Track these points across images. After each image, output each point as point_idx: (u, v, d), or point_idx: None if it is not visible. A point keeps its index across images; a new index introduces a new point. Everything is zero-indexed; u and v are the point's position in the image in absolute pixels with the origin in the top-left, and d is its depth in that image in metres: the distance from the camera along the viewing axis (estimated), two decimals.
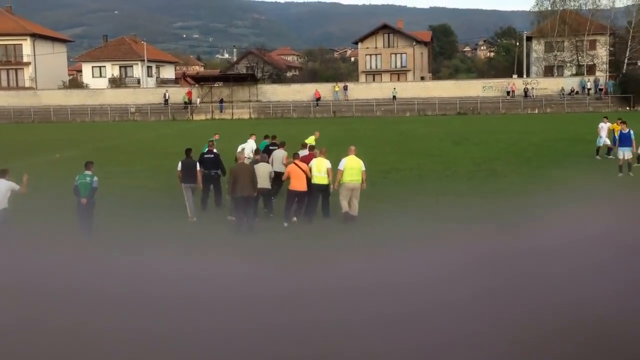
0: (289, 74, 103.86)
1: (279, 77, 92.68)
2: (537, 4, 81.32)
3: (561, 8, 76.11)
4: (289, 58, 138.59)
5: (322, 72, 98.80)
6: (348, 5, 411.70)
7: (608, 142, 24.89)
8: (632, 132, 20.82)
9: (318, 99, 68.84)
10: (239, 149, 18.77)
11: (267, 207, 15.64)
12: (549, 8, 78.41)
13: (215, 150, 17.23)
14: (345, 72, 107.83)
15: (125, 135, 44.75)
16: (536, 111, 63.18)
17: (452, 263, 10.56)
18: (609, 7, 75.42)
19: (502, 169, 23.04)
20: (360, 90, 71.22)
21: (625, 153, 20.44)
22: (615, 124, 23.96)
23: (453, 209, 15.74)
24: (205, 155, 16.86)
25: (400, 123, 51.98)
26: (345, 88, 70.47)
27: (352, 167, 14.90)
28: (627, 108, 60.93)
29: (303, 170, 14.94)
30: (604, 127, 25.16)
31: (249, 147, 19.72)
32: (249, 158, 17.45)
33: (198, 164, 15.75)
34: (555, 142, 32.06)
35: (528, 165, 23.70)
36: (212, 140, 18.13)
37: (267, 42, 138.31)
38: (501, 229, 13.41)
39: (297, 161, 15.24)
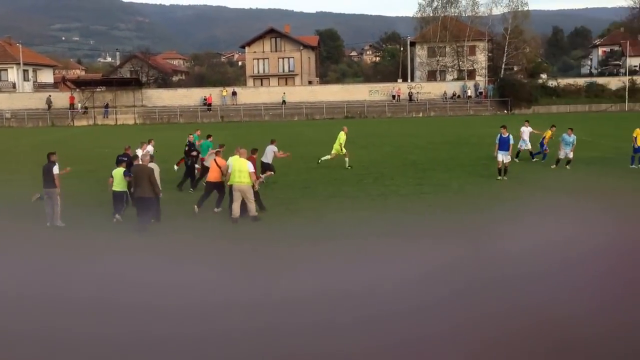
0: (175, 79, 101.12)
1: (164, 81, 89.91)
2: (419, 10, 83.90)
3: (442, 14, 78.79)
4: (175, 62, 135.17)
5: (209, 77, 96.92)
6: (234, 9, 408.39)
7: (529, 146, 25.24)
8: (511, 136, 20.91)
9: (209, 104, 67.37)
10: (140, 152, 18.48)
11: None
12: (431, 14, 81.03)
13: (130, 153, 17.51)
14: (233, 76, 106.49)
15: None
16: (420, 115, 64.80)
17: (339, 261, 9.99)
18: (486, 15, 78.94)
19: (389, 171, 22.97)
20: (249, 95, 70.35)
21: (504, 157, 20.55)
22: (549, 131, 24.91)
23: (342, 212, 15.66)
24: (118, 157, 17.35)
25: (288, 127, 51.59)
26: (234, 93, 69.37)
27: (238, 169, 14.97)
28: (505, 111, 63.80)
29: (219, 166, 15.99)
30: (526, 131, 25.34)
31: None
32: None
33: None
34: (439, 144, 32.63)
35: (414, 168, 23.78)
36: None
37: (151, 46, 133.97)
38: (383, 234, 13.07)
39: (217, 157, 16.38)
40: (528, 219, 14.08)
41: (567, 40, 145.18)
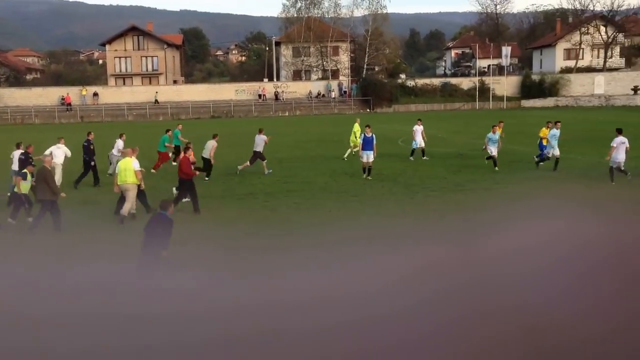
0: (29, 77, 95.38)
1: (17, 80, 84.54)
2: (284, 11, 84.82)
3: (306, 15, 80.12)
4: (29, 59, 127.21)
5: (67, 75, 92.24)
6: (93, 5, 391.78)
7: (423, 144, 25.67)
8: (374, 136, 21.21)
9: (68, 104, 64.18)
10: (47, 152, 18.69)
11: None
12: (295, 15, 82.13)
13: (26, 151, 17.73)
14: (93, 75, 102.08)
15: None
16: (287, 114, 65.63)
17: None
18: (348, 16, 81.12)
19: (256, 170, 23.16)
20: (111, 95, 67.87)
21: (367, 156, 20.82)
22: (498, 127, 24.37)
23: (212, 211, 15.65)
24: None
25: (154, 127, 50.29)
26: (95, 94, 66.64)
27: (124, 167, 15.28)
28: (368, 110, 66.12)
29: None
30: (418, 130, 25.67)
31: (60, 151, 19.81)
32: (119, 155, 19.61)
33: None
34: (305, 143, 33.27)
35: (280, 166, 24.13)
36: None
37: (1, 42, 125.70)
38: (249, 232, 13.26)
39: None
40: (379, 215, 14.78)
41: (423, 43, 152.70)
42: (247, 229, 13.60)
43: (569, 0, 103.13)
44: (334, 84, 71.81)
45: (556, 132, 21.64)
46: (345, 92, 71.25)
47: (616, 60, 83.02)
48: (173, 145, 24.42)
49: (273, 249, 11.52)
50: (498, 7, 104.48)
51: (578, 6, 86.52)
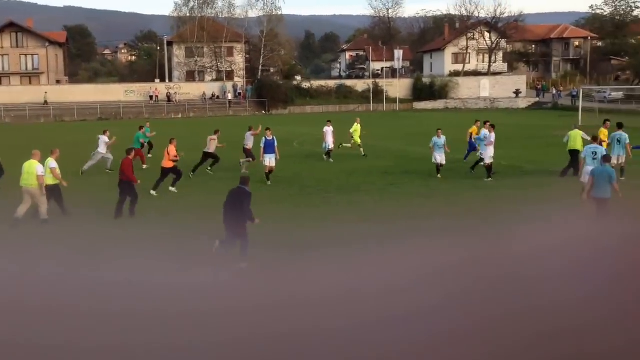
0: None
1: None
2: (175, 9, 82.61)
3: (199, 15, 78.38)
4: None
5: None
6: None
7: (332, 146, 25.54)
8: (275, 138, 20.66)
9: None
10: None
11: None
12: (188, 14, 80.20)
13: None
14: None
15: None
16: (180, 116, 63.79)
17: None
18: (243, 17, 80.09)
19: (147, 175, 22.04)
20: None
21: (270, 160, 20.23)
22: (474, 127, 24.41)
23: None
24: None
25: (34, 130, 47.31)
26: None
27: (27, 171, 14.97)
28: (264, 112, 65.48)
29: (169, 153, 18.56)
30: (329, 131, 25.41)
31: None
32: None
33: None
34: (201, 146, 32.09)
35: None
36: None
37: None
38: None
39: (170, 146, 18.77)
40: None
41: (318, 45, 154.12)
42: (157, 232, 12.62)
43: (456, 7, 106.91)
44: (228, 85, 70.67)
45: (486, 133, 20.86)
46: (240, 93, 70.29)
47: (500, 64, 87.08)
48: (145, 142, 25.53)
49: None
50: (390, 11, 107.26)
51: (464, 12, 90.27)
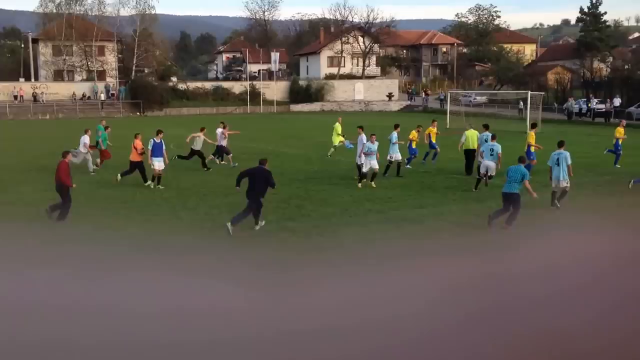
0: None
1: None
2: (41, 6, 78.54)
3: (67, 12, 75.07)
4: None
5: None
6: None
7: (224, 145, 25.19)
8: (163, 142, 20.19)
9: None
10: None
11: None
12: (54, 11, 76.59)
13: None
14: None
15: None
16: (48, 117, 60.77)
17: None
18: (114, 15, 77.48)
19: (13, 177, 21.10)
20: None
21: (159, 163, 19.67)
22: (431, 128, 24.78)
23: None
24: None
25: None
26: None
27: None
28: (138, 113, 63.78)
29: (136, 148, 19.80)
30: (219, 133, 25.07)
31: None
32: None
33: None
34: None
35: (44, 173, 22.11)
36: None
37: None
38: None
39: (136, 140, 20.03)
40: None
41: (194, 45, 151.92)
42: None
43: (331, 11, 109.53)
44: (100, 85, 68.20)
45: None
46: (113, 94, 68.05)
47: (373, 68, 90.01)
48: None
49: None
50: (266, 13, 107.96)
51: (339, 17, 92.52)
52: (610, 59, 75.95)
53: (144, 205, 16.85)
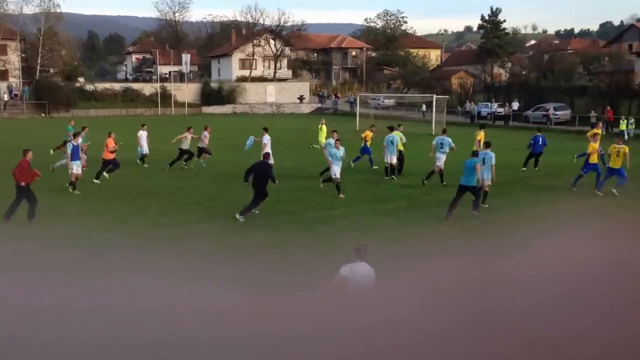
0: None
1: None
2: None
3: None
4: None
5: None
6: None
7: (146, 151, 25.21)
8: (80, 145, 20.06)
9: None
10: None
11: None
12: None
13: None
14: None
15: None
16: None
17: None
18: (17, 13, 74.41)
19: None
20: None
21: (77, 167, 19.27)
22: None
23: None
24: None
25: None
26: None
27: None
28: (43, 115, 61.82)
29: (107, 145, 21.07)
30: (143, 135, 25.19)
31: None
32: None
33: None
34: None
35: None
36: None
37: None
38: None
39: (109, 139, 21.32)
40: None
41: (103, 46, 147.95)
42: None
43: (242, 14, 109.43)
44: (2, 86, 65.53)
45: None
46: (16, 95, 65.57)
47: (284, 71, 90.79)
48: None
49: None
50: (177, 14, 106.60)
51: (250, 19, 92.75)
52: (509, 64, 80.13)
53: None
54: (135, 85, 74.98)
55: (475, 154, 16.85)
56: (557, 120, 47.43)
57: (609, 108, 43.41)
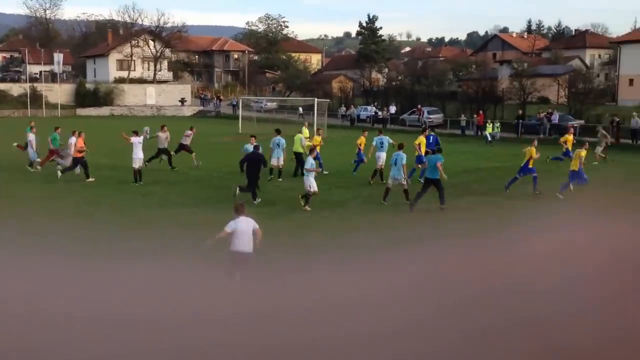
0: None
1: None
2: None
3: None
4: None
5: None
6: None
7: (36, 156, 24.19)
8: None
9: None
10: None
11: None
12: None
13: None
14: None
15: None
16: None
17: None
18: None
19: None
20: None
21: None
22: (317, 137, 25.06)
23: None
24: None
25: None
26: None
27: None
28: None
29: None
30: (32, 138, 24.04)
31: None
32: None
33: None
34: None
35: None
36: None
37: None
38: None
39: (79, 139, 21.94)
40: None
41: None
42: None
43: (119, 13, 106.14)
44: None
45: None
46: None
47: (165, 73, 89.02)
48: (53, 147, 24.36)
49: None
50: (48, 12, 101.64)
51: (128, 19, 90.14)
52: (386, 70, 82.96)
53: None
54: (2, 85, 70.91)
55: (437, 150, 18.89)
56: (431, 124, 49.76)
57: (480, 112, 46.03)
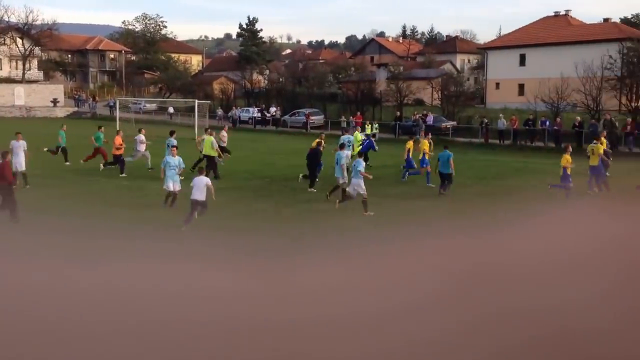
0: None
1: None
2: None
3: None
4: None
5: None
6: None
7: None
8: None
9: None
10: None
11: None
12: None
13: None
14: None
15: None
16: None
17: None
18: None
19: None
20: None
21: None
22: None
23: None
24: None
25: None
26: None
27: None
28: None
29: None
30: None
31: None
32: None
33: None
34: None
35: None
36: None
37: None
38: None
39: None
40: None
41: None
42: None
43: None
44: None
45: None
46: None
47: (35, 72, 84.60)
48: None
49: None
50: None
51: None
52: (267, 71, 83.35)
53: None
54: None
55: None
56: (313, 125, 50.57)
57: (359, 114, 47.25)
